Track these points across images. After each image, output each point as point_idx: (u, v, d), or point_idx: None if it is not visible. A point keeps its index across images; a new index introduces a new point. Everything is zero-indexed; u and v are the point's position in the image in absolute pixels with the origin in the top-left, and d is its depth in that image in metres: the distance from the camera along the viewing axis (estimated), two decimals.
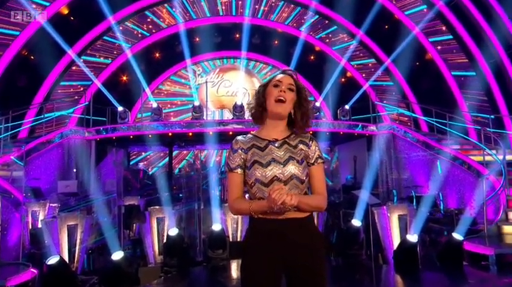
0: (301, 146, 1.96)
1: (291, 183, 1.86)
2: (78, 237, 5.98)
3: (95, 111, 10.24)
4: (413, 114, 12.22)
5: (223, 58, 15.90)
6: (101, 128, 9.87)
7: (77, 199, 7.92)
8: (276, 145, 1.95)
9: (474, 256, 5.90)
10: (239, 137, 2.04)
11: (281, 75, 1.99)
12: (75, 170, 9.34)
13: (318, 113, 10.84)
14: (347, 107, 10.67)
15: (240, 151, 1.98)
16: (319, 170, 1.96)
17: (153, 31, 14.84)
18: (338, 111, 10.72)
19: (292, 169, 1.88)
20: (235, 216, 7.01)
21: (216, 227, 6.40)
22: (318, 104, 11.26)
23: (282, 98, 1.92)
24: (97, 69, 13.93)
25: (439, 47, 14.06)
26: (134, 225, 7.49)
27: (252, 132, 2.06)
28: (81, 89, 13.54)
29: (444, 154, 8.93)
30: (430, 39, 14.03)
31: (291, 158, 1.90)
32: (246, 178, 1.94)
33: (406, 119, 13.37)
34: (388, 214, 6.50)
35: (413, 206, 7.12)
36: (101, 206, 7.04)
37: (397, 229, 6.44)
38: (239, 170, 1.95)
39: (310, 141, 1.99)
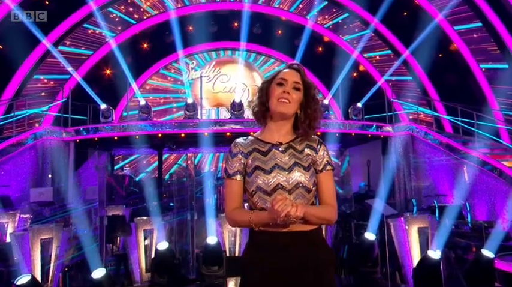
0: (307, 150, 1.98)
1: (297, 192, 1.88)
2: (53, 253, 5.89)
3: (74, 109, 10.19)
4: (436, 113, 12.28)
5: (220, 50, 15.89)
6: (81, 128, 9.82)
7: (52, 209, 7.85)
8: (280, 149, 1.97)
9: (508, 277, 5.82)
10: (239, 140, 2.06)
11: (286, 70, 2.00)
12: (50, 175, 9.28)
13: (326, 112, 10.96)
14: (359, 105, 10.70)
15: (239, 155, 1.99)
16: (328, 177, 1.98)
17: (141, 18, 14.88)
18: (349, 110, 10.76)
19: (297, 176, 1.89)
20: (233, 228, 6.98)
21: (212, 240, 6.37)
22: (326, 101, 11.28)
23: (284, 100, 1.93)
24: (76, 62, 13.91)
25: (465, 37, 13.97)
26: (118, 238, 7.43)
27: (253, 134, 2.08)
28: (58, 83, 13.47)
29: (471, 159, 8.84)
30: (456, 28, 13.98)
31: (296, 164, 1.92)
32: (246, 186, 1.95)
33: (427, 118, 13.35)
34: (407, 227, 6.45)
35: (435, 217, 7.09)
36: (80, 216, 6.99)
37: (417, 244, 6.39)
38: (238, 177, 1.96)
39: (318, 146, 2.00)
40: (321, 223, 1.91)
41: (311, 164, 1.95)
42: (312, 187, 1.91)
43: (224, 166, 2.07)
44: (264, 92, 2.02)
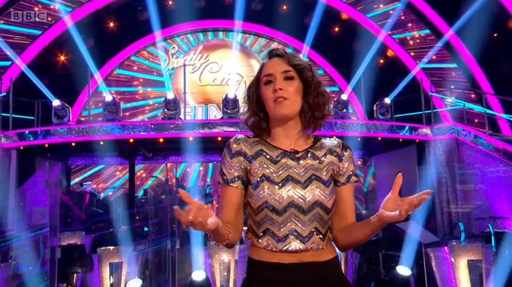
0: (329, 157, 2.03)
1: (313, 213, 1.92)
2: None
3: (16, 107, 10.16)
4: (489, 111, 12.18)
5: (209, 30, 15.91)
6: (27, 131, 9.67)
7: None
8: (295, 157, 2.01)
9: None
10: (241, 136, 2.08)
11: (267, 62, 2.07)
12: None
13: (345, 110, 10.82)
14: (388, 100, 10.62)
15: (241, 156, 2.02)
16: (350, 191, 2.07)
17: None
18: (375, 107, 10.71)
19: (316, 192, 1.93)
20: (227, 259, 7.02)
21: (198, 275, 6.49)
22: (345, 97, 11.14)
23: (280, 99, 1.97)
24: (19, 45, 13.84)
25: None
26: (75, 275, 7.30)
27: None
28: None
29: None
30: None
31: (314, 177, 1.96)
32: (249, 199, 1.98)
33: (478, 117, 13.24)
34: (453, 259, 6.53)
35: (491, 247, 7.06)
36: (23, 247, 6.95)
37: (467, 281, 6.45)
38: (238, 184, 2.00)
39: (344, 151, 2.07)
40: (358, 245, 2.05)
41: (332, 177, 2.00)
42: (331, 207, 1.96)
43: (220, 167, 2.08)
44: (253, 99, 2.07)
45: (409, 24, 15.47)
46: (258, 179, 1.95)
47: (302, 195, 1.91)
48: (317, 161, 2.00)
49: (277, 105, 1.96)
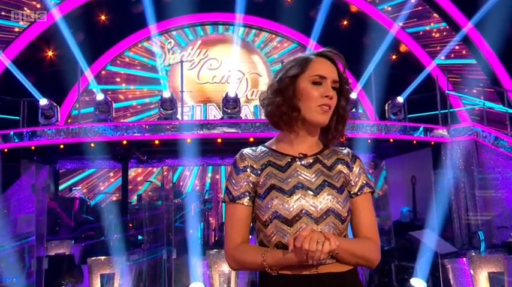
0: (339, 166, 2.05)
1: (327, 221, 1.91)
2: None
3: (0, 106, 10.30)
4: (511, 110, 12.03)
5: (208, 24, 15.98)
6: (11, 133, 9.68)
7: None
8: (304, 162, 2.02)
9: None
10: (247, 150, 2.11)
11: (322, 62, 2.02)
12: None
13: (354, 110, 10.81)
14: (401, 99, 10.66)
15: (248, 170, 2.03)
16: (366, 202, 2.04)
17: None
18: (386, 107, 10.75)
19: (328, 199, 1.93)
20: (227, 270, 7.05)
21: None
22: (354, 95, 11.12)
23: (326, 107, 1.98)
24: (3, 40, 13.87)
25: None
26: None
27: (264, 144, 2.14)
28: None
29: None
30: None
31: (326, 183, 1.97)
32: (257, 212, 1.99)
33: (499, 117, 13.12)
34: (472, 271, 6.60)
35: None
36: (7, 258, 6.96)
37: None
38: (246, 200, 2.01)
39: (353, 161, 2.08)
40: (358, 263, 1.93)
41: (344, 185, 2.00)
42: (346, 214, 1.94)
43: (226, 185, 2.10)
44: (292, 90, 2.00)
45: (424, 17, 15.51)
46: (266, 190, 1.96)
47: (313, 203, 1.91)
48: (327, 168, 2.01)
49: (321, 112, 1.97)
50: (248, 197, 2.00)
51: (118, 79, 15.54)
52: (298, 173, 1.97)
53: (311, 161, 2.02)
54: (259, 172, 2.01)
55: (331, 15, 14.31)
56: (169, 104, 10.32)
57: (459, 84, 13.51)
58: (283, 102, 2.01)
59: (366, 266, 2.02)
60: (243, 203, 1.99)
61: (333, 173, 2.01)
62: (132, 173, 13.71)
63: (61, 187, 13.68)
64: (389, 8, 15.35)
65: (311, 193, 1.93)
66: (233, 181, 2.03)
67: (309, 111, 1.97)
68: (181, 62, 13.74)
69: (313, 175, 1.97)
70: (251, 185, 2.00)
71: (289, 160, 2.01)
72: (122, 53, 15.44)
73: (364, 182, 2.05)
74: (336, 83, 2.00)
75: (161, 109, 10.42)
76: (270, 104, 2.04)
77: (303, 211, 1.89)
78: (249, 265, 1.96)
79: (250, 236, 2.07)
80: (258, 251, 1.90)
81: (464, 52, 14.94)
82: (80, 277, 6.91)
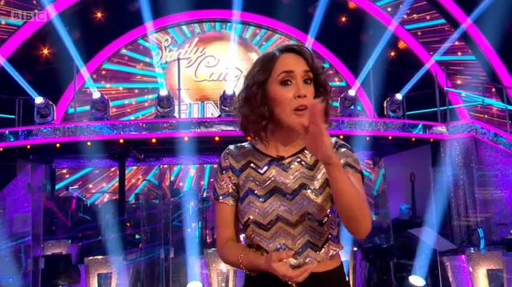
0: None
1: (304, 225, 1.90)
2: None
3: None
4: (510, 107, 12.11)
5: (205, 21, 15.96)
6: (6, 131, 9.69)
7: None
8: (283, 164, 1.98)
9: None
10: (231, 148, 2.11)
11: (287, 56, 1.94)
12: None
13: (352, 107, 10.86)
14: (399, 96, 10.68)
15: (230, 171, 2.04)
16: (352, 178, 1.85)
17: None
18: (385, 104, 10.80)
19: (305, 204, 1.90)
20: (225, 269, 7.08)
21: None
22: (352, 92, 11.17)
23: (303, 108, 1.86)
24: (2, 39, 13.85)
25: None
26: None
27: (251, 141, 2.11)
28: None
29: None
30: None
31: (304, 186, 1.93)
32: (238, 214, 2.02)
33: (498, 114, 13.34)
34: (471, 268, 6.57)
35: None
36: (3, 258, 6.94)
37: None
38: (229, 200, 2.03)
39: (336, 149, 1.97)
40: (352, 213, 1.75)
41: (326, 183, 1.91)
42: (324, 218, 1.90)
43: (213, 183, 2.13)
44: (259, 99, 1.93)
45: (423, 13, 15.46)
46: (244, 194, 1.97)
47: (289, 208, 1.90)
48: (308, 168, 1.96)
49: (297, 116, 1.86)
50: (232, 197, 2.02)
51: (114, 77, 15.49)
52: (276, 176, 1.95)
53: (290, 161, 1.98)
54: (239, 172, 2.02)
55: (329, 11, 14.21)
56: (166, 102, 10.32)
57: (459, 81, 13.52)
58: (250, 111, 1.96)
59: (358, 223, 1.80)
60: (227, 203, 2.02)
61: (315, 171, 1.95)
62: (129, 172, 13.69)
63: (57, 186, 13.63)
64: (388, 4, 15.34)
65: (286, 197, 1.91)
66: (218, 180, 2.05)
67: (285, 116, 1.90)
68: (178, 59, 13.60)
69: (292, 178, 1.94)
70: (233, 186, 2.02)
71: (268, 161, 1.99)
72: (118, 50, 15.40)
73: (346, 162, 1.93)
74: (307, 72, 1.92)
75: (158, 107, 10.42)
76: (239, 114, 2.01)
77: (278, 216, 1.89)
78: (232, 263, 2.00)
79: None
80: (239, 252, 1.93)
81: (463, 49, 14.87)
82: (77, 276, 6.86)
